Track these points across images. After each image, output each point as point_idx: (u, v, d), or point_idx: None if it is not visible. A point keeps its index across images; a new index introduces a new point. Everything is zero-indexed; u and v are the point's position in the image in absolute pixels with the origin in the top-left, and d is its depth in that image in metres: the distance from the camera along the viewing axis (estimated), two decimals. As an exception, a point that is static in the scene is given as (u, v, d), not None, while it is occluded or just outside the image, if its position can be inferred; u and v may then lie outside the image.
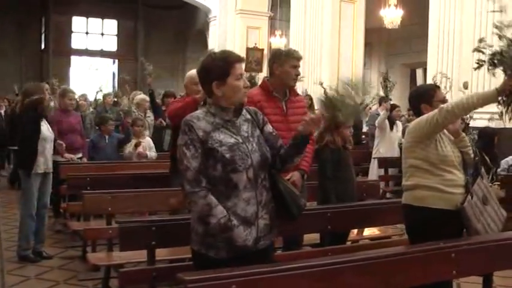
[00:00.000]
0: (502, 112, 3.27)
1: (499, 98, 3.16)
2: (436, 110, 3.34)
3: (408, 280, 2.89)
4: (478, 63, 3.24)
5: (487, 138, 7.42)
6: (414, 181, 3.51)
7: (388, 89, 9.91)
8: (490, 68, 3.18)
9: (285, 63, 4.15)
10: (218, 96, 2.76)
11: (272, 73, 4.22)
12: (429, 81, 9.84)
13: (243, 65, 2.85)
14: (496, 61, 3.12)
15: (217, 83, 2.74)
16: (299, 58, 4.23)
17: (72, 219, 6.63)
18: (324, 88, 7.96)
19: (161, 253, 3.90)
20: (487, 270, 3.49)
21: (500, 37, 3.13)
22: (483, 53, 3.20)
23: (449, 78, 9.19)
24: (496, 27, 3.17)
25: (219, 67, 2.75)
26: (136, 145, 7.08)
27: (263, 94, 4.17)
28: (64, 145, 6.21)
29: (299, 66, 4.24)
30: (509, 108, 3.18)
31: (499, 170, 7.41)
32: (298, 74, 4.25)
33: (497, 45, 3.14)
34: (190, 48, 24.31)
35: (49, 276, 5.11)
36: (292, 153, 2.90)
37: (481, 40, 3.25)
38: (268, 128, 2.95)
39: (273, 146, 2.90)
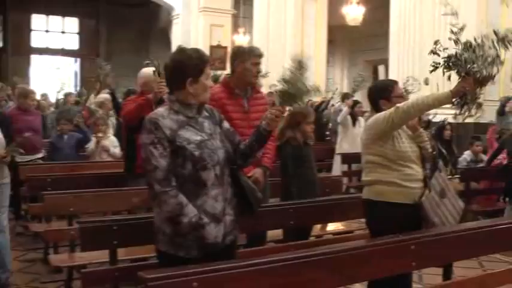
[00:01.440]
0: (456, 113, 3.34)
1: (454, 100, 3.23)
2: (392, 109, 3.37)
3: (369, 273, 2.94)
4: (433, 65, 3.29)
5: (439, 130, 7.59)
6: (373, 176, 3.56)
7: (360, 85, 9.99)
8: (445, 70, 3.24)
9: (246, 60, 4.15)
10: (188, 93, 2.76)
11: (233, 70, 4.23)
12: (393, 76, 10.01)
13: None
14: (451, 64, 3.18)
15: (191, 80, 2.75)
16: (260, 55, 4.24)
17: (33, 221, 6.51)
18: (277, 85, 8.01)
19: (124, 252, 3.88)
20: (445, 261, 3.57)
21: (456, 42, 3.20)
22: (438, 55, 3.26)
23: (417, 81, 9.33)
24: (452, 32, 3.24)
25: (196, 65, 2.77)
26: (98, 140, 7.02)
27: (225, 91, 4.18)
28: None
29: (260, 64, 4.24)
30: (463, 109, 3.26)
31: (458, 165, 7.61)
32: (259, 71, 4.26)
33: (452, 47, 3.21)
34: (153, 46, 24.07)
35: (10, 280, 5.01)
36: (255, 147, 2.94)
37: (436, 42, 3.31)
38: (226, 124, 2.98)
39: (232, 142, 2.93)
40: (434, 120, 8.73)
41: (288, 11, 14.72)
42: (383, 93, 3.65)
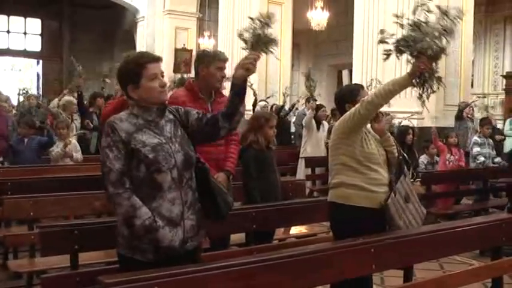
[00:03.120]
0: (423, 100, 3.35)
1: (413, 81, 3.27)
2: (358, 104, 3.42)
3: (329, 276, 2.98)
4: (385, 53, 3.34)
5: (402, 134, 7.74)
6: (339, 179, 3.57)
7: (312, 88, 10.05)
8: (398, 55, 3.29)
9: (211, 64, 4.14)
10: (135, 99, 2.74)
11: (197, 74, 4.22)
12: (356, 80, 10.14)
13: (160, 64, 2.81)
14: (401, 48, 3.23)
15: (132, 86, 2.73)
16: (225, 60, 4.23)
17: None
18: (251, 83, 8.02)
19: (86, 257, 3.83)
20: (405, 264, 3.62)
21: (401, 26, 3.26)
22: (387, 43, 3.33)
23: (381, 83, 9.48)
24: (396, 16, 3.30)
25: (131, 70, 2.74)
26: (66, 145, 6.93)
27: (188, 95, 4.17)
28: None
29: (225, 68, 4.23)
30: (424, 88, 3.30)
31: (419, 168, 7.77)
32: (224, 76, 4.26)
33: (400, 33, 3.27)
34: (118, 49, 23.81)
35: (-33, 286, 4.92)
36: (236, 103, 2.85)
37: (382, 31, 3.37)
38: (193, 116, 2.89)
39: (208, 122, 2.86)
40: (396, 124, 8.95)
41: (253, 14, 14.70)
42: (349, 97, 3.69)
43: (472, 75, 14.46)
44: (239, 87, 2.84)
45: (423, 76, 3.24)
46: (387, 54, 3.33)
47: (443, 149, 8.15)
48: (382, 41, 3.35)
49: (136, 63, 2.75)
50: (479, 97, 15.41)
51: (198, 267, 2.51)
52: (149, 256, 2.64)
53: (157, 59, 2.81)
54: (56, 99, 10.87)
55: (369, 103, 3.36)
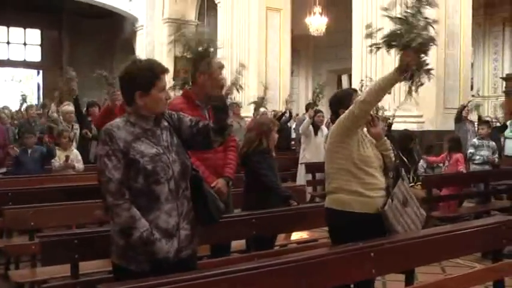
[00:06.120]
0: (411, 94, 3.33)
1: (402, 76, 3.23)
2: (352, 105, 3.42)
3: (329, 281, 2.96)
4: (375, 47, 3.33)
5: (405, 140, 7.71)
6: (336, 184, 3.56)
7: (319, 96, 10.09)
8: (387, 49, 3.28)
9: (207, 72, 4.17)
10: (139, 106, 2.71)
11: (194, 82, 4.23)
12: (356, 85, 10.15)
13: (167, 76, 2.81)
14: (392, 43, 3.22)
15: (141, 93, 2.69)
16: (221, 67, 4.27)
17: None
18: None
19: (86, 266, 3.83)
20: (405, 267, 3.61)
21: (390, 18, 3.25)
22: (375, 36, 3.32)
23: (373, 80, 9.47)
24: (385, 9, 3.29)
25: (145, 77, 2.70)
26: (67, 158, 6.97)
27: (185, 103, 4.17)
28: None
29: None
30: (414, 82, 3.27)
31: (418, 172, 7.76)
32: None
33: (387, 27, 3.26)
34: (118, 58, 23.87)
35: (-31, 297, 4.92)
36: (223, 118, 2.87)
37: (368, 26, 3.37)
38: (186, 123, 2.89)
39: (199, 132, 2.87)
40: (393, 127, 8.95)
41: (252, 21, 14.79)
42: (342, 103, 3.68)
43: (472, 78, 14.48)
44: (221, 104, 2.88)
45: (411, 70, 3.22)
46: (377, 47, 3.32)
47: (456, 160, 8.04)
48: (369, 35, 3.36)
49: (152, 71, 2.73)
50: (473, 95, 15.36)
51: (198, 274, 2.51)
52: (144, 267, 2.62)
53: (167, 71, 2.81)
54: (53, 105, 10.88)
55: (362, 102, 3.35)
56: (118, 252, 2.69)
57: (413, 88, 3.28)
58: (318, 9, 14.55)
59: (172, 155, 2.74)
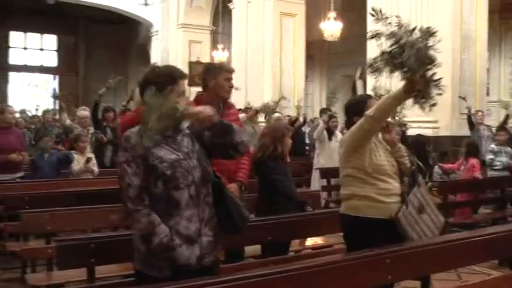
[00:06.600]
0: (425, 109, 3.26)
1: (410, 95, 3.18)
2: (363, 118, 3.41)
3: (345, 287, 2.95)
4: (373, 35, 3.28)
5: (419, 146, 7.68)
6: (350, 190, 3.56)
7: (334, 100, 10.09)
8: (391, 69, 3.20)
9: (218, 75, 4.21)
10: None
11: (206, 86, 4.26)
12: (370, 91, 10.12)
13: (186, 82, 2.81)
14: (391, 67, 3.16)
15: None
16: (231, 71, 4.34)
17: (11, 240, 6.43)
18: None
19: (102, 270, 3.86)
20: (421, 274, 3.59)
21: (385, 22, 3.20)
22: (380, 37, 3.27)
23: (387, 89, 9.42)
24: (374, 16, 3.24)
25: (162, 83, 2.70)
26: (88, 161, 7.03)
27: (198, 108, 4.20)
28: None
29: (232, 79, 4.32)
30: (426, 101, 3.21)
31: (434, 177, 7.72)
32: (231, 86, 4.32)
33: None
34: (133, 63, 24.09)
35: (-14, 300, 4.96)
36: (231, 139, 2.76)
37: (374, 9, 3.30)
38: (207, 133, 2.83)
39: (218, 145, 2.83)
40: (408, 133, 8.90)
41: (267, 27, 14.82)
42: (355, 110, 3.66)
43: (488, 83, 14.36)
44: (222, 130, 2.75)
45: (420, 93, 3.16)
46: (376, 35, 3.28)
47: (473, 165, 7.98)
48: (374, 37, 3.33)
49: (170, 76, 2.74)
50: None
51: (213, 279, 2.51)
52: (166, 273, 2.62)
53: (186, 76, 2.81)
54: (64, 114, 10.98)
55: (372, 118, 3.33)
56: (140, 258, 2.69)
57: (426, 107, 3.23)
58: (332, 14, 14.49)
59: (193, 161, 2.73)
